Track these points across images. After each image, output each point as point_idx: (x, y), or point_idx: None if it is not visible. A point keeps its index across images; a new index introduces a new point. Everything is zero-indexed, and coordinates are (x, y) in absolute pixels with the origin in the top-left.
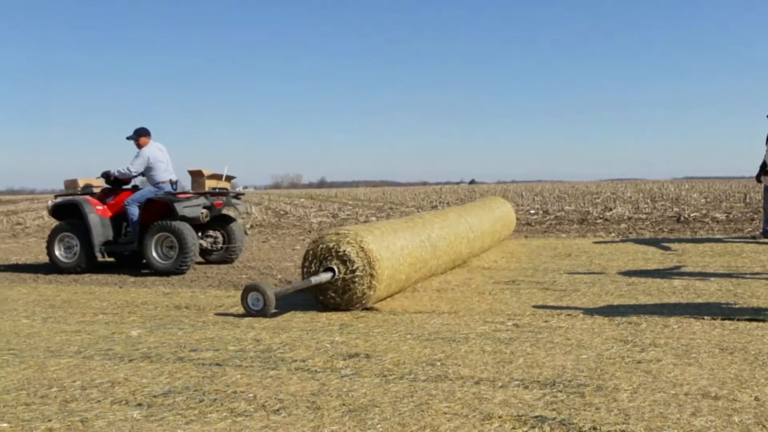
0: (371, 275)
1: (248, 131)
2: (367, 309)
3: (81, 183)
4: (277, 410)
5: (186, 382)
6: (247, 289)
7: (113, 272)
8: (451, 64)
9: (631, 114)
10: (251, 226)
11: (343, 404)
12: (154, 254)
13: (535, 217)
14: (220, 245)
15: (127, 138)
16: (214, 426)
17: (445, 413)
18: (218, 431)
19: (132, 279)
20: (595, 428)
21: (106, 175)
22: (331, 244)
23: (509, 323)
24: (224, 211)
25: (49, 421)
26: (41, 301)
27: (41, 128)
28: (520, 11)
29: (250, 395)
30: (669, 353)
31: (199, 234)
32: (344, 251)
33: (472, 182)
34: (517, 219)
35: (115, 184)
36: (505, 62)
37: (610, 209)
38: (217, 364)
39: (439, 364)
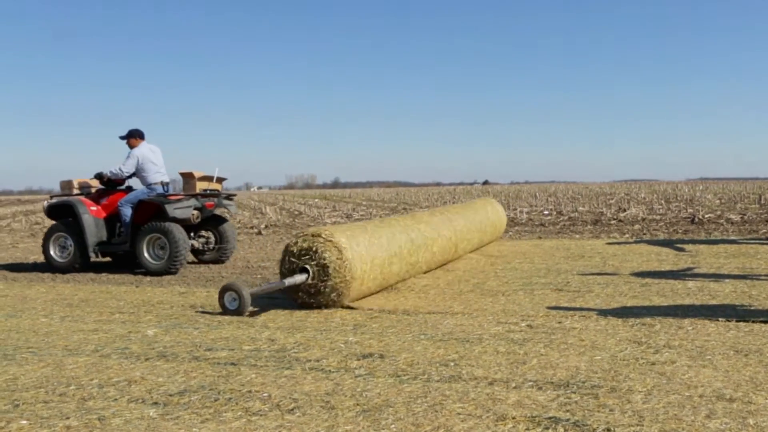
0: (330, 241)
1: (263, 132)
2: (382, 310)
3: (76, 184)
4: (292, 410)
5: (201, 381)
6: (224, 289)
7: (129, 272)
8: (465, 65)
9: (645, 115)
10: (266, 226)
11: (357, 404)
12: (146, 254)
13: (549, 217)
14: (213, 245)
15: (120, 137)
16: (229, 425)
17: (459, 414)
18: (233, 430)
19: (148, 279)
20: (608, 430)
21: (99, 176)
22: (294, 250)
23: (523, 324)
24: (216, 212)
25: (67, 418)
26: (59, 300)
27: (60, 128)
28: (532, 13)
29: (264, 395)
30: (683, 355)
31: (192, 234)
32: (302, 247)
33: (485, 183)
34: (531, 220)
35: (110, 184)
36: (520, 63)
37: (624, 210)
38: (232, 364)
39: (452, 364)
